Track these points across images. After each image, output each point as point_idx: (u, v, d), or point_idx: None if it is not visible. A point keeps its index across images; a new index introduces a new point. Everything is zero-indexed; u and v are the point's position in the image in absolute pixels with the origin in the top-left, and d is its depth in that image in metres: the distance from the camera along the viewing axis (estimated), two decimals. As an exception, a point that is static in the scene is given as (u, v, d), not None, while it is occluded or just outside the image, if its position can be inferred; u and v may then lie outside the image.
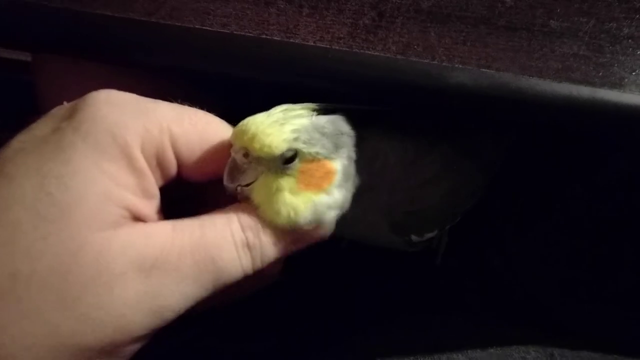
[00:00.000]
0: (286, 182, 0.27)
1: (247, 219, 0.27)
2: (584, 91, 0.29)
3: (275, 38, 0.31)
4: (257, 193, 0.27)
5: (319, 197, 0.28)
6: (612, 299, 0.38)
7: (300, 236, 0.28)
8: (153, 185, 0.26)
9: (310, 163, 0.27)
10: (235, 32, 0.31)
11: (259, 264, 0.27)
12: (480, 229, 0.47)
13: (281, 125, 0.26)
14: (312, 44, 0.31)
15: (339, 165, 0.29)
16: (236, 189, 0.27)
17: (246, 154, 0.27)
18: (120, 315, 0.22)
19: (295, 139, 0.26)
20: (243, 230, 0.26)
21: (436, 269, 0.46)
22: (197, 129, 0.27)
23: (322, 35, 0.31)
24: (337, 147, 0.29)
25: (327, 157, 0.28)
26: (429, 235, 0.39)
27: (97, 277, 0.22)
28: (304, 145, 0.27)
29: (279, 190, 0.27)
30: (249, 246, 0.26)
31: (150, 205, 0.26)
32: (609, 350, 0.30)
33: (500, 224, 0.48)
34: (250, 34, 0.31)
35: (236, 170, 0.27)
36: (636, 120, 0.29)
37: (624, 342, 0.31)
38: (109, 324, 0.22)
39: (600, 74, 0.30)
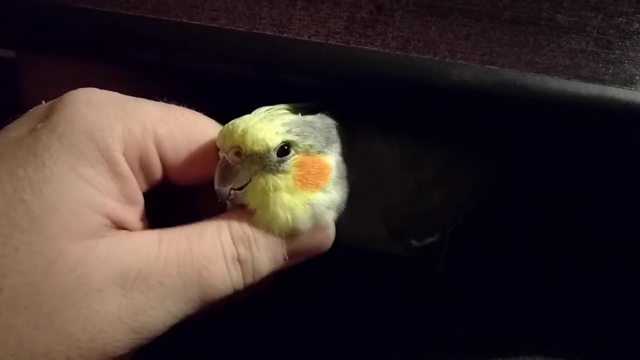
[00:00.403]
0: (282, 180, 0.25)
1: (238, 230, 0.25)
2: (593, 89, 0.28)
3: (268, 33, 0.30)
4: (251, 195, 0.26)
5: (317, 196, 0.26)
6: (621, 304, 0.37)
7: (298, 247, 0.27)
8: (136, 191, 0.24)
9: (305, 156, 0.26)
10: (225, 27, 0.30)
11: (250, 280, 0.25)
12: (484, 233, 0.46)
13: (270, 121, 0.25)
14: (306, 38, 0.30)
15: (333, 161, 0.28)
16: (229, 194, 0.26)
17: (238, 153, 0.25)
18: (99, 332, 0.20)
19: (288, 132, 0.25)
20: (234, 243, 0.24)
21: (438, 275, 0.45)
22: (184, 130, 0.26)
23: (317, 30, 0.30)
24: (328, 141, 0.28)
25: (320, 152, 0.27)
26: (430, 239, 0.38)
27: (74, 291, 0.20)
28: (297, 137, 0.26)
29: (275, 189, 0.25)
30: (240, 260, 0.24)
31: (133, 212, 0.24)
32: (619, 357, 0.28)
33: (506, 228, 0.47)
34: (241, 29, 0.30)
35: (228, 172, 0.26)
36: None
37: (634, 349, 0.30)
38: (85, 342, 0.20)
39: (610, 70, 0.29)
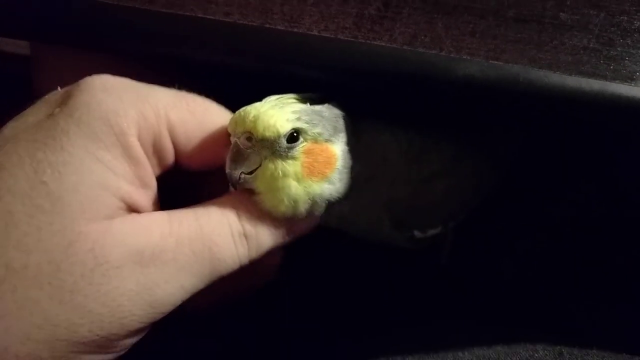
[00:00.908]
0: (291, 167, 0.26)
1: (244, 209, 0.26)
2: (595, 85, 0.29)
3: (279, 27, 0.31)
4: (260, 180, 0.26)
5: (322, 186, 0.27)
6: (621, 297, 0.37)
7: (294, 226, 0.28)
8: (150, 175, 0.25)
9: (313, 144, 0.27)
10: (238, 21, 0.31)
11: (254, 254, 0.26)
12: (488, 228, 0.47)
13: (281, 108, 0.26)
14: (316, 33, 0.31)
15: (340, 150, 0.28)
16: (239, 177, 0.27)
17: (249, 138, 0.26)
18: (118, 306, 0.21)
19: (298, 119, 0.26)
20: (240, 220, 0.26)
21: (443, 269, 0.46)
22: (195, 116, 0.26)
23: (326, 25, 0.31)
24: (336, 130, 0.28)
25: (328, 140, 0.28)
26: (432, 231, 0.39)
27: (94, 269, 0.21)
28: (306, 125, 0.26)
29: (284, 175, 0.26)
30: (245, 235, 0.25)
31: (146, 195, 0.25)
32: (619, 349, 0.29)
33: (508, 224, 0.47)
34: (254, 23, 0.31)
35: (239, 156, 0.26)
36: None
37: (633, 341, 0.31)
38: (106, 316, 0.21)
39: (611, 67, 0.29)
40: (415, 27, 0.30)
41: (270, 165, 0.26)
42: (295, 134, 0.26)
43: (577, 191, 0.43)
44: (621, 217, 0.39)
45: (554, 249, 0.44)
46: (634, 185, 0.38)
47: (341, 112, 0.30)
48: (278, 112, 0.26)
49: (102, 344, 0.22)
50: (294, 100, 0.28)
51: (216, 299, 0.31)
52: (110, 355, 0.23)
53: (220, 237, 0.24)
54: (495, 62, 0.29)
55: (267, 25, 0.31)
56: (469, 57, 0.30)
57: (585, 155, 0.42)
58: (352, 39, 0.30)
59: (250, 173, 0.27)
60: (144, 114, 0.24)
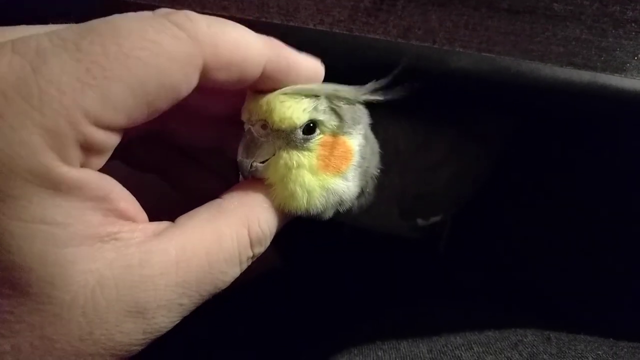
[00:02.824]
0: (306, 158, 0.25)
1: (257, 231, 0.24)
2: (585, 76, 0.29)
3: (275, 21, 0.31)
4: (273, 170, 0.25)
5: (336, 182, 0.26)
6: (609, 284, 0.38)
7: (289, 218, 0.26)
8: (99, 185, 0.20)
9: (330, 136, 0.26)
10: (234, 15, 0.31)
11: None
12: (485, 218, 0.48)
13: (299, 97, 0.25)
14: (312, 27, 0.31)
15: (357, 145, 0.27)
16: (250, 166, 0.25)
17: (264, 126, 0.25)
18: (125, 346, 0.20)
19: (315, 109, 0.25)
20: (252, 247, 0.24)
21: (439, 257, 0.47)
22: (117, 77, 0.19)
23: (322, 19, 0.31)
24: (354, 121, 0.27)
25: (346, 132, 0.26)
26: (434, 219, 0.40)
27: (92, 333, 0.20)
28: (324, 116, 0.25)
29: (298, 166, 0.25)
30: (253, 258, 0.24)
31: (112, 199, 0.21)
32: (605, 334, 0.30)
33: (505, 213, 0.48)
34: (250, 17, 0.31)
35: (252, 145, 0.25)
36: (637, 106, 0.29)
37: (619, 326, 0.32)
38: (113, 357, 0.20)
39: (603, 58, 0.30)
40: (410, 20, 0.31)
41: (285, 155, 0.25)
42: (312, 125, 0.25)
43: (569, 181, 0.44)
44: (612, 206, 0.40)
45: (547, 237, 0.45)
46: (624, 176, 0.39)
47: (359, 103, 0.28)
48: (295, 102, 0.24)
49: None
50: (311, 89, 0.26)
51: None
52: None
53: (227, 273, 0.23)
54: (487, 55, 0.30)
55: (263, 19, 0.31)
56: (461, 50, 0.30)
57: (579, 146, 0.43)
58: (347, 32, 0.31)
59: (263, 162, 0.25)
60: (51, 129, 0.18)
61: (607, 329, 0.30)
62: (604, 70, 0.29)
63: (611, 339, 0.29)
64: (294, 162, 0.25)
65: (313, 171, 0.25)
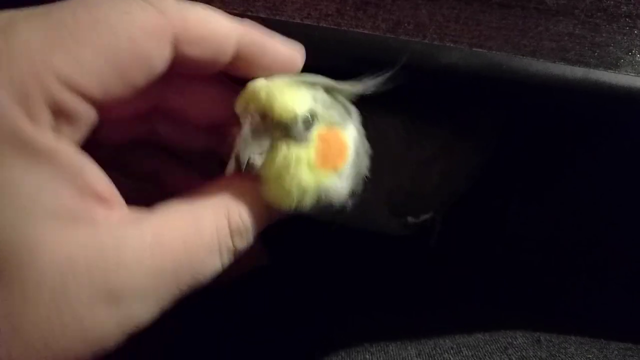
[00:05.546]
0: (305, 153, 0.24)
1: (238, 222, 0.23)
2: (578, 72, 0.29)
3: (261, 15, 0.30)
4: (269, 165, 0.24)
5: (332, 181, 0.25)
6: (602, 284, 0.38)
7: (279, 216, 0.26)
8: (72, 157, 0.19)
9: (327, 129, 0.25)
10: (219, 9, 0.30)
11: (237, 257, 0.24)
12: (478, 214, 0.47)
13: (297, 86, 0.24)
14: (298, 21, 0.30)
15: (352, 139, 0.26)
16: (247, 159, 0.24)
17: (263, 117, 0.24)
18: (97, 339, 0.19)
19: (314, 99, 0.24)
20: (232, 238, 0.23)
21: (429, 256, 0.46)
22: (88, 43, 0.19)
23: (309, 12, 0.30)
24: (348, 112, 0.26)
25: (340, 124, 0.25)
26: (425, 216, 0.39)
27: (59, 315, 0.18)
28: (322, 107, 0.24)
29: (297, 160, 0.24)
30: (234, 250, 0.23)
31: (87, 177, 0.20)
32: (596, 334, 0.29)
33: (499, 210, 0.48)
34: (235, 11, 0.30)
35: (250, 136, 0.24)
36: (631, 103, 0.28)
37: (611, 325, 0.31)
38: (83, 349, 0.19)
39: (596, 54, 0.29)
40: (399, 14, 0.30)
41: (284, 147, 0.24)
42: (310, 116, 0.24)
43: (562, 178, 0.44)
44: (604, 203, 0.39)
45: (536, 235, 0.44)
46: (617, 173, 0.38)
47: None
48: (296, 91, 0.24)
49: None
50: (305, 79, 0.25)
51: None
52: None
53: (206, 263, 0.22)
54: (478, 50, 0.29)
55: (249, 14, 0.30)
56: (452, 45, 0.29)
57: (570, 143, 0.42)
58: (335, 27, 0.30)
59: (260, 155, 0.24)
60: (18, 85, 0.18)
61: (597, 330, 0.30)
62: (597, 66, 0.29)
63: (602, 340, 0.29)
64: (293, 155, 0.24)
65: (311, 167, 0.24)
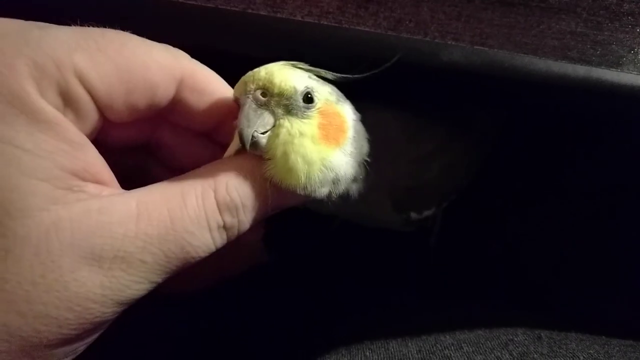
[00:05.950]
0: (307, 126, 0.24)
1: (224, 195, 0.23)
2: (580, 70, 0.28)
3: (262, 12, 0.30)
4: (274, 141, 0.24)
5: (335, 155, 0.25)
6: (602, 282, 0.38)
7: (282, 203, 0.25)
8: (74, 133, 0.21)
9: (326, 105, 0.25)
10: (220, 7, 0.30)
11: (232, 238, 0.24)
12: (478, 213, 0.47)
13: (292, 68, 0.25)
14: (299, 18, 0.30)
15: (350, 117, 0.27)
16: (252, 137, 0.24)
17: (264, 94, 0.24)
18: (85, 309, 0.20)
19: (310, 77, 0.25)
20: (220, 211, 0.23)
21: (431, 250, 0.46)
22: (109, 55, 0.22)
23: (310, 10, 0.30)
24: (344, 97, 0.27)
25: (339, 103, 0.26)
26: (427, 212, 0.39)
27: (44, 276, 0.19)
28: (318, 85, 0.25)
29: (301, 134, 0.24)
30: (225, 228, 0.23)
31: (85, 154, 0.21)
32: (596, 331, 0.29)
33: (498, 209, 0.48)
34: (236, 8, 0.30)
35: (253, 114, 0.24)
36: (632, 101, 0.28)
37: (611, 324, 0.31)
38: (73, 319, 0.20)
39: (598, 52, 0.29)
40: (401, 11, 0.30)
41: (287, 124, 0.24)
42: (309, 95, 0.25)
43: (562, 177, 0.44)
44: (605, 201, 0.39)
45: (537, 233, 0.44)
46: (619, 171, 0.38)
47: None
48: (292, 70, 0.25)
49: (73, 339, 0.20)
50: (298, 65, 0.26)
51: (196, 282, 0.30)
52: (85, 341, 0.22)
53: (195, 235, 0.22)
54: (480, 48, 0.29)
55: (250, 11, 0.30)
56: (453, 42, 0.29)
57: (572, 141, 0.42)
58: (336, 24, 0.30)
59: (263, 134, 0.24)
60: (38, 63, 0.20)
61: (598, 327, 0.30)
62: (599, 64, 0.29)
63: (603, 337, 0.29)
64: (297, 131, 0.24)
65: (315, 140, 0.25)
